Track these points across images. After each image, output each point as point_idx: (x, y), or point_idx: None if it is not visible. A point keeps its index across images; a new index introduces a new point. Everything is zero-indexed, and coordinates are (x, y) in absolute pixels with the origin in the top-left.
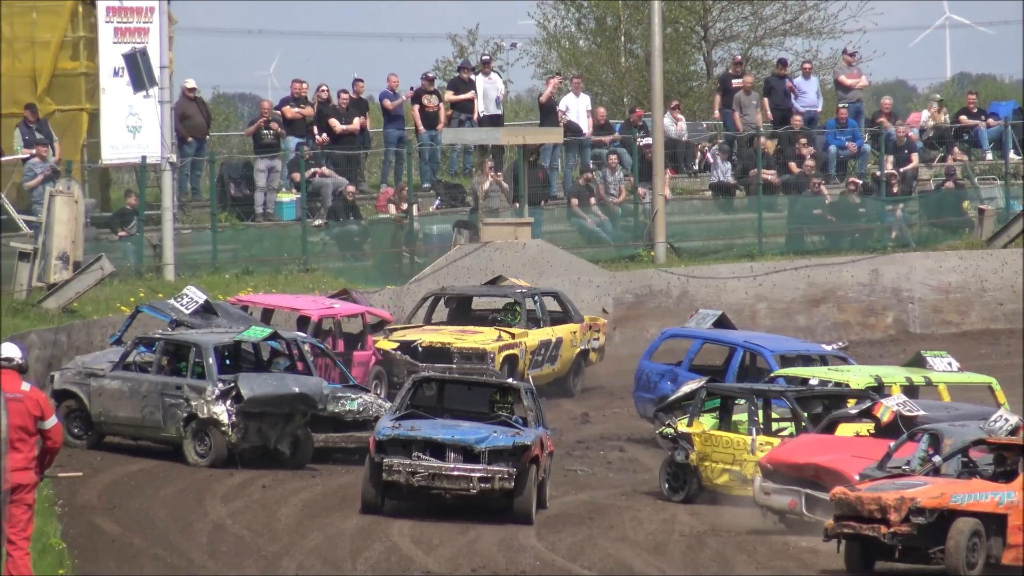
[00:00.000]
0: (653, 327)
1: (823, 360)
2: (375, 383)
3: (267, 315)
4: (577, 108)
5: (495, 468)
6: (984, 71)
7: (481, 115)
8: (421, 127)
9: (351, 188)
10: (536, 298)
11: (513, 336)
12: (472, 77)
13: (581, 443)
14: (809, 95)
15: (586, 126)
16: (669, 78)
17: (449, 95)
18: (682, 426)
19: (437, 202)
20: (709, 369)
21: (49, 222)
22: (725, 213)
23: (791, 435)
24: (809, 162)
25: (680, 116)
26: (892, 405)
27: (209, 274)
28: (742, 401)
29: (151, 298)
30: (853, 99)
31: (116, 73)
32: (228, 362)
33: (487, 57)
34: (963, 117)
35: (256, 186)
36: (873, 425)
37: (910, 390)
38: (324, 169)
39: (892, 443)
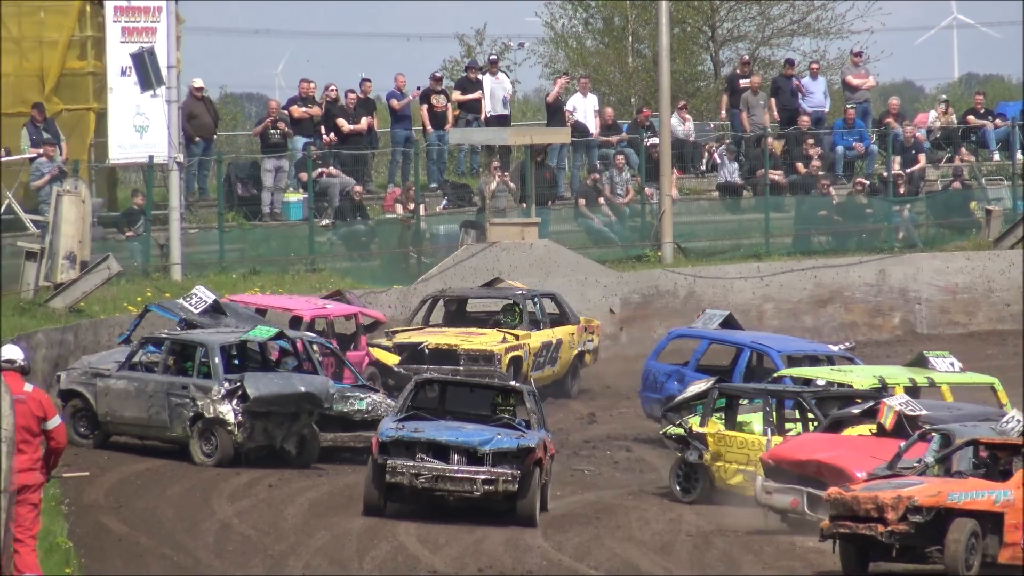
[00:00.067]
0: (660, 327)
1: (830, 361)
2: None
3: (259, 315)
4: (584, 108)
5: (499, 470)
6: (991, 71)
7: (488, 115)
8: (429, 127)
9: (358, 188)
10: (535, 300)
11: (517, 338)
12: (479, 77)
13: (588, 443)
14: (816, 95)
15: (593, 126)
16: (676, 78)
17: (456, 95)
18: (695, 426)
19: (444, 202)
20: (716, 369)
21: (56, 221)
22: (732, 213)
23: (798, 435)
24: (816, 162)
25: (687, 116)
26: (895, 405)
27: (216, 274)
28: (745, 401)
29: (158, 298)
30: (860, 99)
31: (123, 73)
32: (236, 362)
33: (494, 57)
34: (970, 117)
35: (263, 186)
36: (875, 426)
37: (913, 391)
38: (331, 169)
39: (902, 443)
